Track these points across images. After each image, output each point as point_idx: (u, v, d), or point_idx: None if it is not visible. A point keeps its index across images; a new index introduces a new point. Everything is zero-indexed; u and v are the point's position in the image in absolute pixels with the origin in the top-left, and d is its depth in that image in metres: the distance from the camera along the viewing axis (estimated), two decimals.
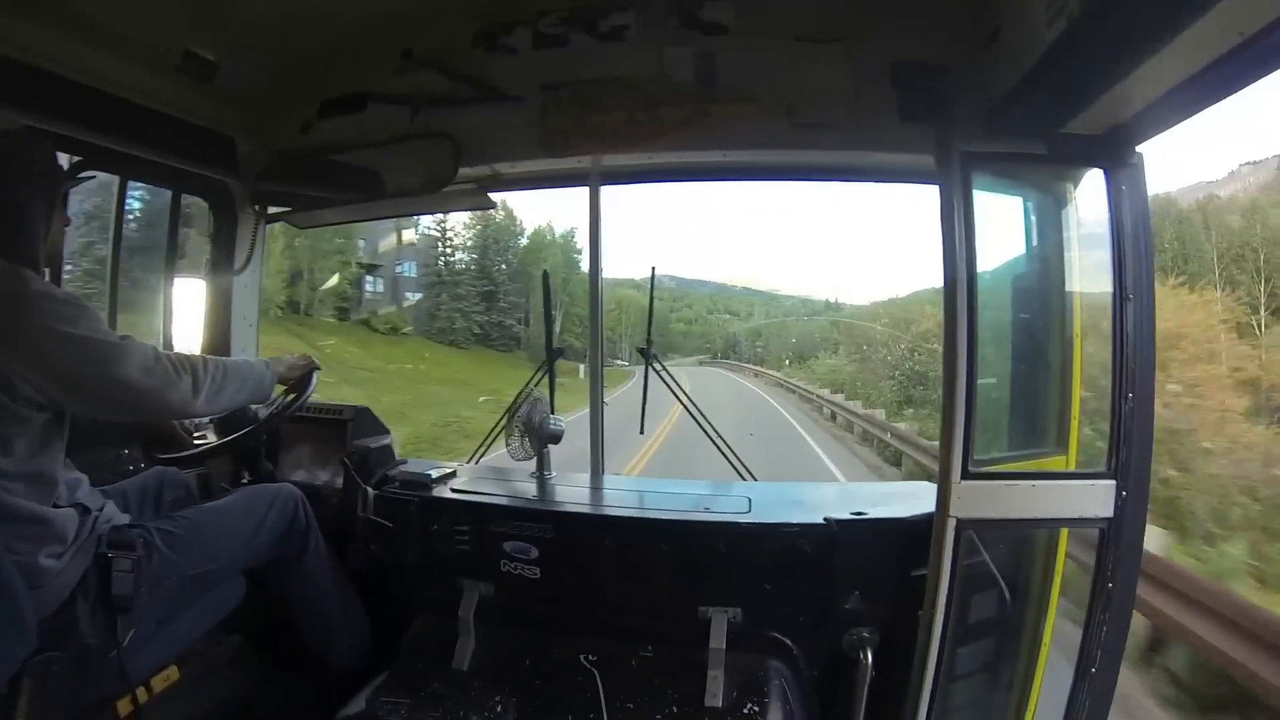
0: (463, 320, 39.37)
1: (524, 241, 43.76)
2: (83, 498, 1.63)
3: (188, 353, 1.85)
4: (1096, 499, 1.71)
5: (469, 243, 41.34)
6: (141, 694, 1.71)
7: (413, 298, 38.96)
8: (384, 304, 36.86)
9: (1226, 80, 1.30)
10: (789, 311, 65.11)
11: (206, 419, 2.21)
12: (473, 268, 41.30)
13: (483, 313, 40.31)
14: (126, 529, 1.68)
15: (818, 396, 22.93)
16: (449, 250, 40.68)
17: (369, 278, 36.53)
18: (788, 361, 46.74)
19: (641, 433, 2.46)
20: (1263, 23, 1.12)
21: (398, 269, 38.31)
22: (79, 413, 1.59)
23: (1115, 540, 1.71)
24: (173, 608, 1.74)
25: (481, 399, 21.40)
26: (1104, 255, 1.77)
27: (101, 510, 1.66)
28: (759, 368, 47.48)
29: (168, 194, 2.51)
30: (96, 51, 1.93)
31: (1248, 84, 1.29)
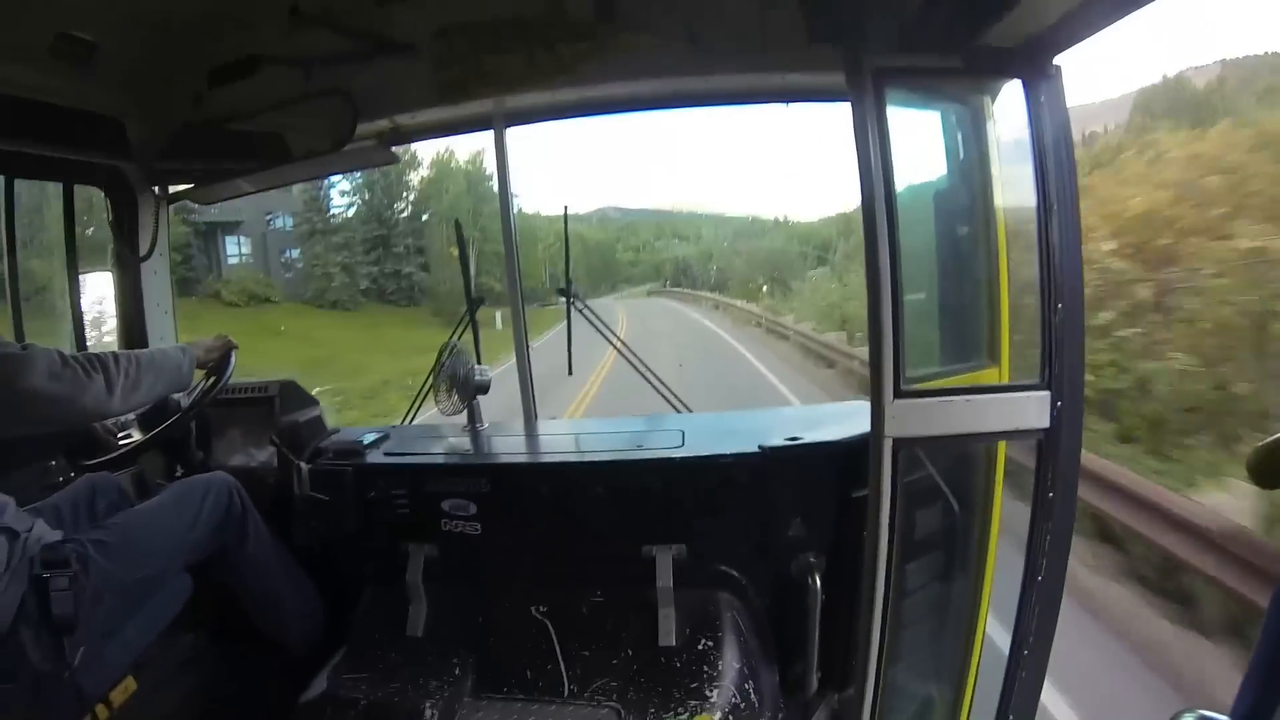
0: (344, 275, 31.90)
1: (421, 174, 35.67)
2: (9, 521, 1.57)
3: (98, 351, 1.76)
4: (1032, 410, 1.71)
5: (354, 182, 33.17)
6: (102, 711, 1.68)
7: (292, 255, 32.87)
8: (254, 268, 30.89)
9: None
10: (740, 232, 59.62)
11: (129, 416, 2.14)
12: (360, 211, 33.98)
13: (373, 263, 33.15)
14: (59, 545, 1.63)
15: None
16: (325, 194, 32.36)
17: (230, 238, 30.27)
18: (763, 288, 33.17)
19: (570, 374, 2.43)
20: None
21: (269, 222, 31.76)
22: None
23: (1053, 450, 1.71)
24: (119, 618, 1.70)
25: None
26: (1026, 167, 1.75)
27: (30, 530, 1.61)
28: (718, 296, 37.19)
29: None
30: None
31: None
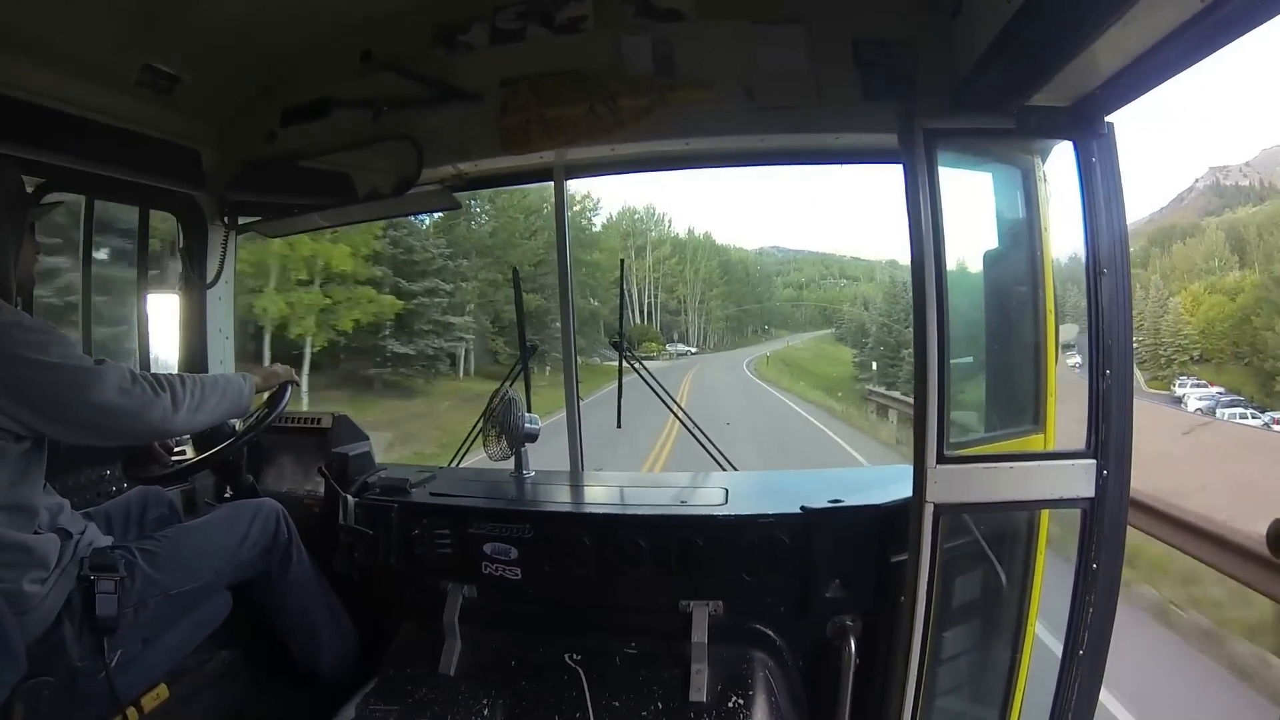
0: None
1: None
2: (64, 522, 1.63)
3: (165, 372, 1.83)
4: (1077, 479, 1.68)
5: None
6: (132, 714, 1.71)
7: None
8: None
9: (1191, 47, 1.28)
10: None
11: (186, 436, 2.21)
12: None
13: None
14: (108, 550, 1.68)
15: None
16: None
17: None
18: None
19: (619, 427, 2.45)
20: None
21: None
22: (59, 439, 1.59)
23: (1098, 520, 1.68)
24: (159, 626, 1.75)
25: None
26: (1077, 230, 1.75)
27: (83, 533, 1.66)
28: None
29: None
30: (53, 71, 1.92)
31: (1211, 51, 1.28)
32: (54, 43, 1.87)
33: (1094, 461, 1.68)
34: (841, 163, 2.32)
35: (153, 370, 2.53)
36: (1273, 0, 1.10)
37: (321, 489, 2.21)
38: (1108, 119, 1.67)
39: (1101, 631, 1.73)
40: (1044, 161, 1.85)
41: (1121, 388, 1.68)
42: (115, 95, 2.10)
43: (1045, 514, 1.85)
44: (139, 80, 2.12)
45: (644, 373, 2.34)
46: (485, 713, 1.85)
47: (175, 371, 2.57)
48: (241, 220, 2.55)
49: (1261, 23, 1.15)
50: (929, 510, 1.65)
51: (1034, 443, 1.89)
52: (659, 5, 2.08)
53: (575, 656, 1.91)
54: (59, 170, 2.07)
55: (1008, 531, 1.93)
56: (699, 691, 1.81)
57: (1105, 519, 1.68)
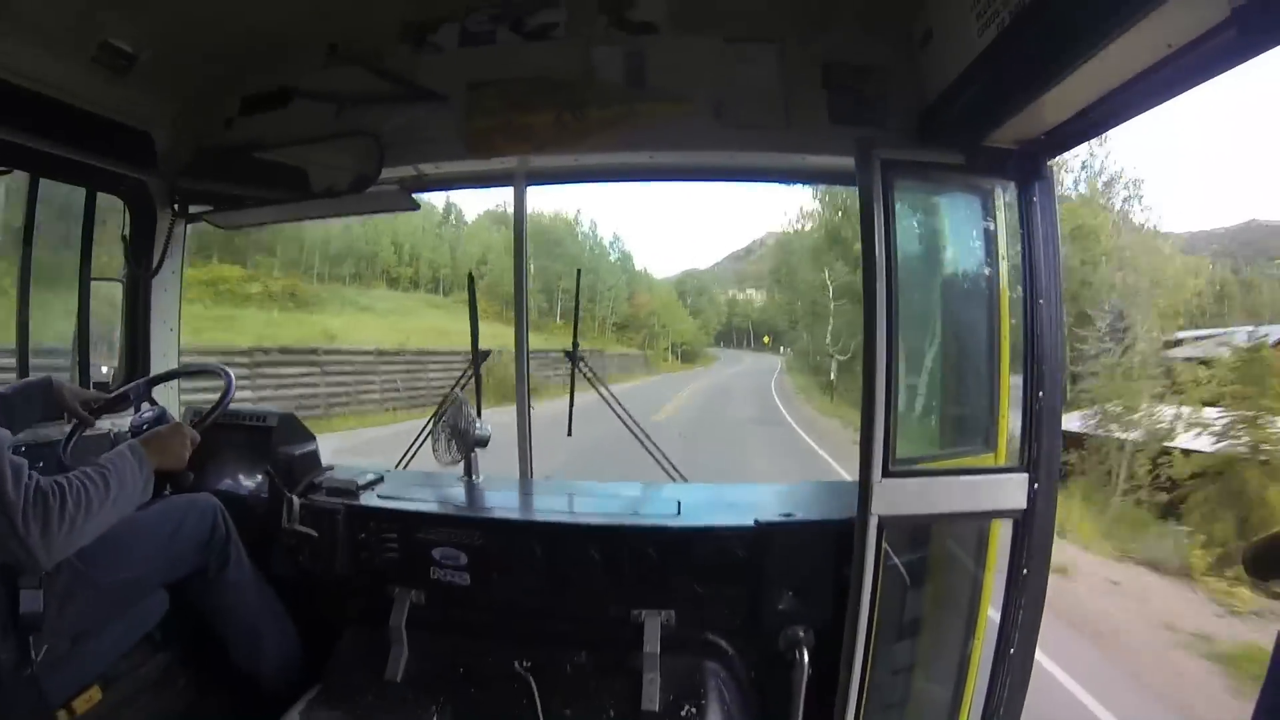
0: None
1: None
2: None
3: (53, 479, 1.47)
4: (1010, 492, 1.80)
5: None
6: (63, 717, 1.65)
7: None
8: None
9: (1154, 91, 1.35)
10: None
11: (123, 426, 2.12)
12: None
13: None
14: None
15: None
16: None
17: None
18: None
19: (569, 435, 2.44)
20: (1190, 36, 1.16)
21: None
22: None
23: (1028, 530, 1.80)
24: (89, 623, 1.68)
25: None
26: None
27: None
28: None
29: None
30: (8, 40, 1.83)
31: (1173, 96, 1.35)
32: (12, 8, 1.79)
33: (1026, 475, 1.80)
34: (806, 183, 2.42)
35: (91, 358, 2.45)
36: (1231, 54, 1.15)
37: (265, 489, 2.15)
38: (1050, 163, 1.80)
39: (1030, 633, 1.84)
40: (1003, 192, 1.91)
41: (1051, 408, 1.81)
42: (69, 69, 2.01)
43: (995, 525, 1.92)
44: (95, 57, 2.03)
45: (598, 384, 2.34)
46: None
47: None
48: (192, 209, 2.46)
49: (1219, 73, 1.21)
50: (873, 523, 1.71)
51: (985, 461, 1.96)
52: (633, 18, 2.08)
53: (525, 664, 1.90)
54: (4, 144, 1.97)
55: (956, 543, 1.99)
56: (651, 701, 1.81)
57: (1035, 528, 1.80)
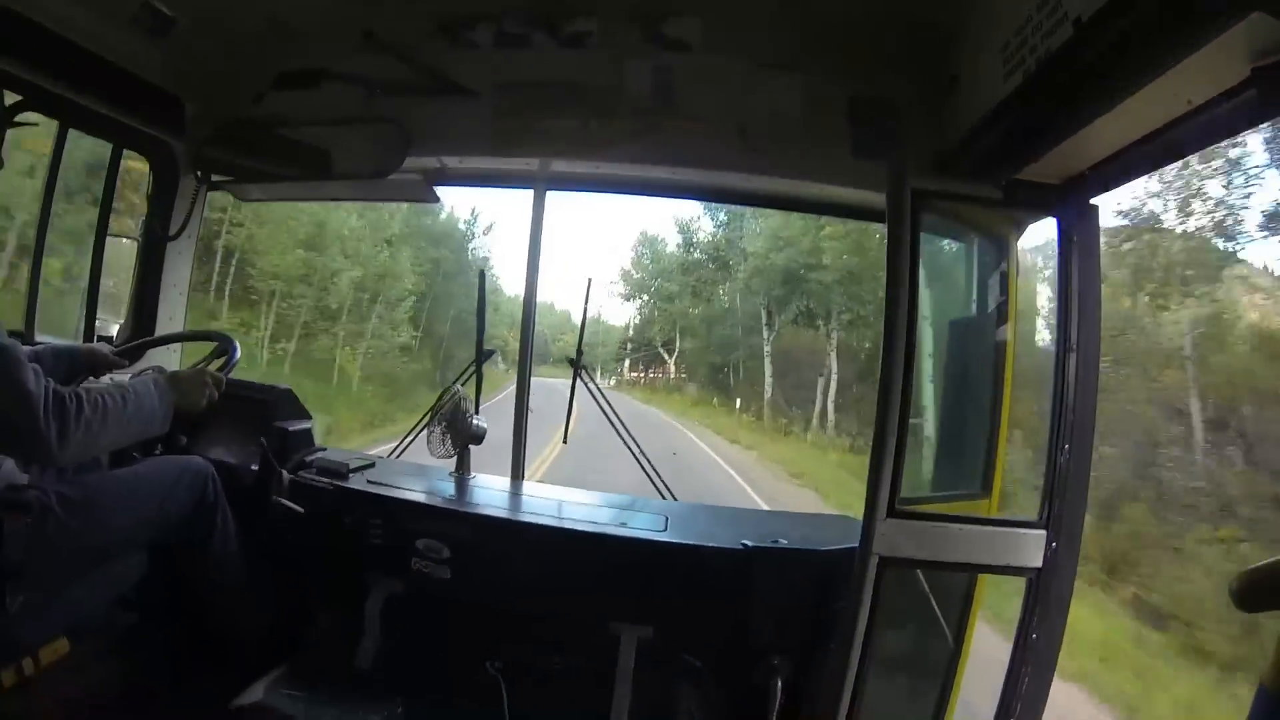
0: None
1: None
2: None
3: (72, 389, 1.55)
4: (1026, 548, 1.71)
5: None
6: (28, 665, 1.64)
7: None
8: None
9: (1175, 145, 1.35)
10: None
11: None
12: None
13: None
14: (23, 489, 1.59)
15: None
16: None
17: None
18: None
19: (565, 442, 2.44)
20: (1210, 94, 1.17)
21: None
22: None
23: (1044, 591, 1.70)
24: (67, 577, 1.67)
25: None
26: (1047, 304, 1.78)
27: None
28: None
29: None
30: None
31: (1194, 150, 1.40)
32: None
33: (1044, 533, 1.70)
34: (822, 214, 2.38)
35: (98, 314, 2.47)
36: (1252, 112, 1.16)
37: (255, 461, 2.14)
38: (1093, 201, 1.71)
39: (1036, 704, 1.75)
40: (1018, 238, 1.89)
41: (1079, 463, 1.71)
42: (108, 26, 2.04)
43: (982, 580, 1.86)
44: (136, 16, 2.07)
45: (597, 394, 2.34)
46: (399, 712, 1.82)
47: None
48: (214, 177, 2.48)
49: (1242, 131, 1.22)
50: (874, 562, 1.66)
51: (979, 508, 1.91)
52: (667, 33, 2.09)
53: (497, 665, 1.90)
54: (39, 90, 1.99)
55: (944, 591, 1.92)
56: (620, 715, 1.81)
57: (1051, 591, 1.70)
